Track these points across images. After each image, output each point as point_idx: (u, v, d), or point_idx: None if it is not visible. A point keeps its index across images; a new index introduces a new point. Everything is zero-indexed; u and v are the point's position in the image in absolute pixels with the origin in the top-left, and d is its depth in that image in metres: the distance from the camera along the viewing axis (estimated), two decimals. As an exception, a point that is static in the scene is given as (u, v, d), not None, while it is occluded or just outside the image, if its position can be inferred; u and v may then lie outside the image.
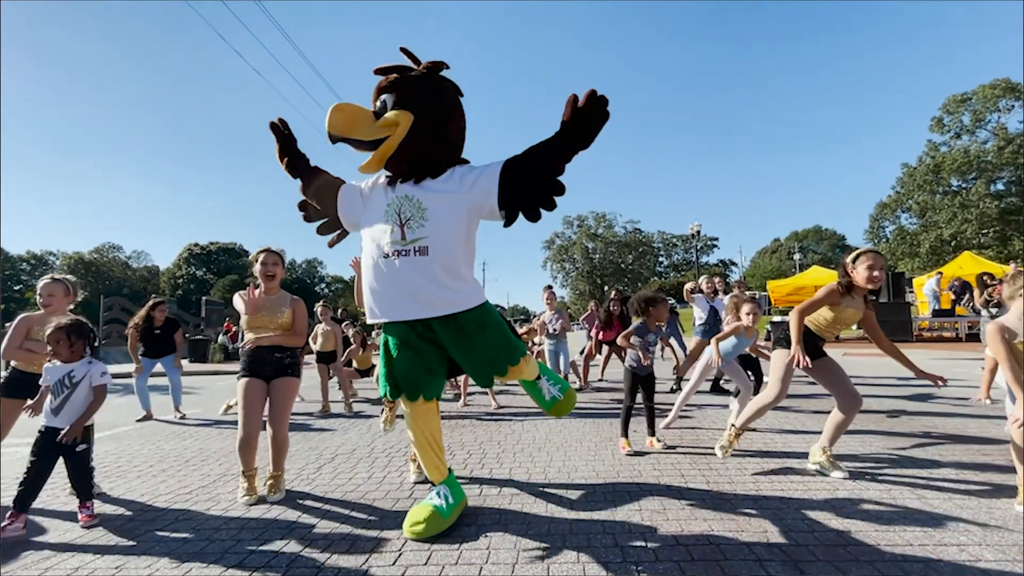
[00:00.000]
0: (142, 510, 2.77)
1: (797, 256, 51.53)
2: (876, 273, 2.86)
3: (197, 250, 71.25)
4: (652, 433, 3.73)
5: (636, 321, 3.95)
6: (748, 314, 4.19)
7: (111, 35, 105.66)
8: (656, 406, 3.85)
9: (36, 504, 2.88)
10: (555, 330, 6.29)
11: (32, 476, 2.53)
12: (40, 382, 2.68)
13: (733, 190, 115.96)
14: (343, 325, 6.92)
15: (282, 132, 2.47)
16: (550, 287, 6.73)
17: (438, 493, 2.40)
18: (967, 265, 14.93)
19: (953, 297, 13.23)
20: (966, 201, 32.38)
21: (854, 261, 2.94)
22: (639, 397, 3.77)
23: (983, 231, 31.93)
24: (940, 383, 2.79)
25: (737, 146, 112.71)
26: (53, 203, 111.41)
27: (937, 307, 14.22)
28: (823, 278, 18.30)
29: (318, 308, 6.44)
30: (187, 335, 18.87)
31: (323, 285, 79.58)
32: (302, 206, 2.69)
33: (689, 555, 2.02)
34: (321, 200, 2.53)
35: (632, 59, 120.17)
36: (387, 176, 2.37)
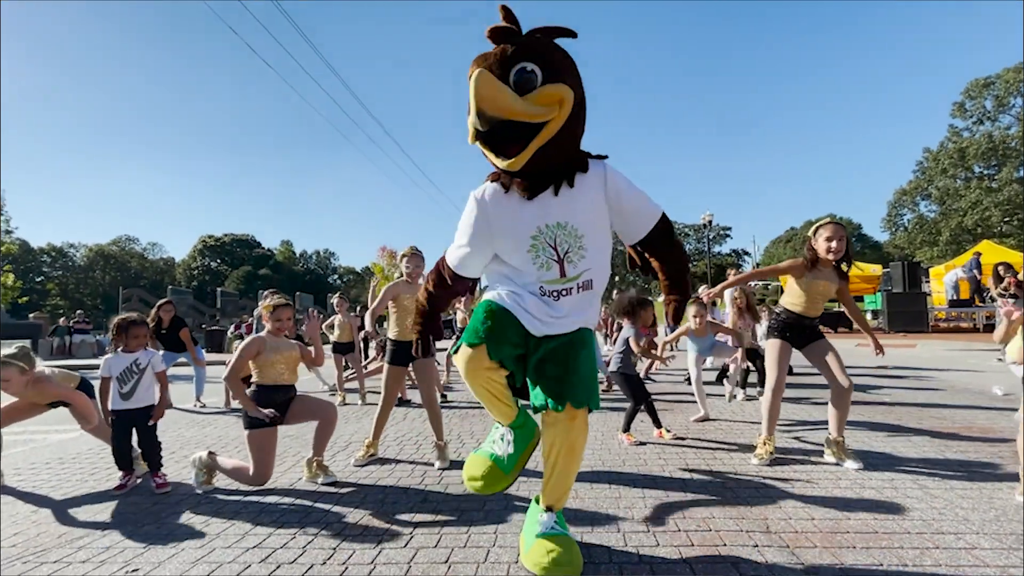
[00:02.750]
0: (165, 494, 2.90)
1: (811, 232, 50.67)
2: (834, 244, 2.94)
3: (211, 242, 72.23)
4: (659, 425, 3.77)
5: (625, 323, 3.99)
6: (694, 316, 4.31)
7: (125, 33, 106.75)
8: (670, 397, 3.89)
9: (70, 492, 3.05)
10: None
11: (119, 449, 2.99)
12: (101, 373, 3.01)
13: (747, 178, 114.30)
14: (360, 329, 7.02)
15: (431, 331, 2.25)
16: None
17: (502, 438, 2.01)
18: (986, 254, 14.62)
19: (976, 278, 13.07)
20: (991, 187, 31.61)
21: (815, 233, 3.05)
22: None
23: (1006, 219, 31.18)
24: (878, 352, 3.14)
25: (751, 133, 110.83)
26: (69, 197, 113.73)
27: (956, 298, 14.00)
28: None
29: (334, 300, 6.58)
30: (203, 325, 19.34)
31: (335, 276, 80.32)
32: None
33: (689, 540, 2.09)
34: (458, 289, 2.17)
35: (645, 44, 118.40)
36: (500, 184, 1.84)
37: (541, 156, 1.71)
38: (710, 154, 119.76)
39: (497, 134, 1.67)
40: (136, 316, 3.18)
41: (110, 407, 3.00)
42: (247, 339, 3.00)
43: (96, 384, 3.23)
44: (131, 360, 3.05)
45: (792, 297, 3.17)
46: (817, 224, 3.07)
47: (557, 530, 1.91)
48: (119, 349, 3.10)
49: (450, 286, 2.09)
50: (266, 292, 3.23)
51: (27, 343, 3.26)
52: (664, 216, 1.90)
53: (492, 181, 1.87)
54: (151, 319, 5.88)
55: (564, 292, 1.83)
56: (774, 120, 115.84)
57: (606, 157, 1.88)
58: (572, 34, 1.79)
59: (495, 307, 1.85)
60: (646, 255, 2.00)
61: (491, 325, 1.82)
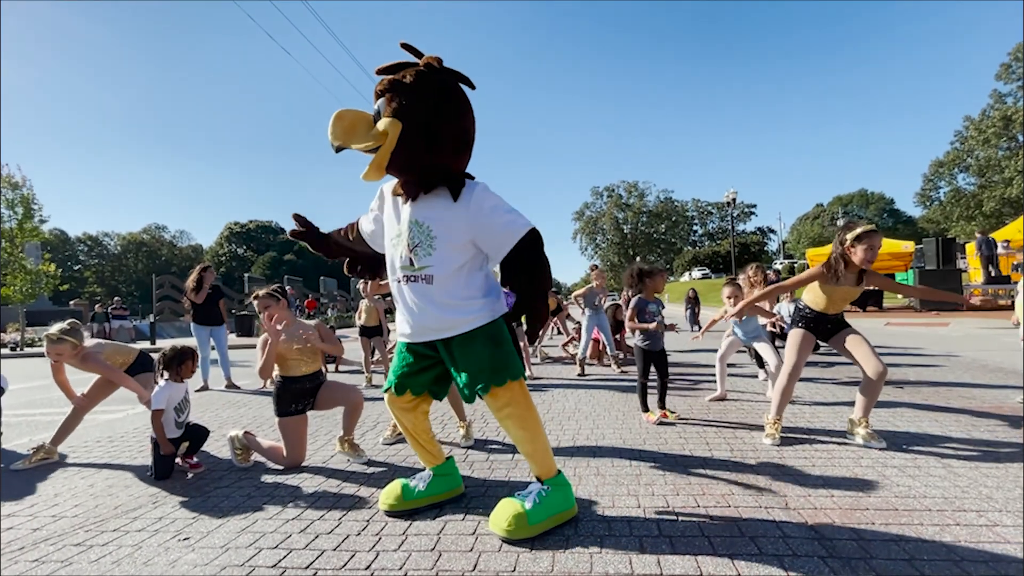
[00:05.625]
0: (209, 470, 3.09)
1: (841, 222, 49.20)
2: (872, 254, 2.89)
3: (237, 228, 73.75)
4: (662, 406, 3.80)
5: (633, 294, 3.99)
6: (728, 298, 4.25)
7: (153, 34, 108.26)
8: (684, 377, 3.91)
9: (122, 460, 3.27)
10: (599, 302, 6.48)
11: (164, 469, 2.98)
12: (156, 406, 3.00)
13: (773, 154, 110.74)
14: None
15: (305, 232, 2.55)
16: (595, 266, 7.13)
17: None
18: (1027, 228, 13.99)
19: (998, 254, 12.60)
20: None
21: (855, 240, 2.91)
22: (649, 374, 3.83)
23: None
24: (962, 304, 2.99)
25: (777, 107, 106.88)
26: (98, 188, 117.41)
27: (994, 274, 13.49)
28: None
29: (360, 284, 6.73)
30: (232, 311, 19.97)
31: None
32: (351, 269, 2.70)
33: (708, 516, 2.14)
34: (358, 250, 2.60)
35: (663, 17, 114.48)
36: (394, 188, 2.28)
37: (395, 171, 2.12)
38: (734, 129, 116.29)
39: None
40: (187, 348, 3.23)
41: (168, 436, 3.01)
42: (261, 339, 3.06)
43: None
44: (185, 389, 3.16)
45: (814, 297, 3.14)
46: (859, 231, 2.91)
47: (516, 497, 2.15)
48: (169, 378, 3.12)
49: (351, 237, 2.56)
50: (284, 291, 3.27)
51: (76, 320, 3.49)
52: (532, 232, 2.08)
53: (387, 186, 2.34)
54: (192, 280, 6.19)
55: (412, 279, 2.14)
56: (801, 92, 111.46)
57: (473, 178, 2.21)
58: (438, 62, 2.12)
59: (400, 345, 2.34)
60: (512, 271, 2.13)
61: (396, 363, 2.33)
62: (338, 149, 2.07)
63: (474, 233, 2.10)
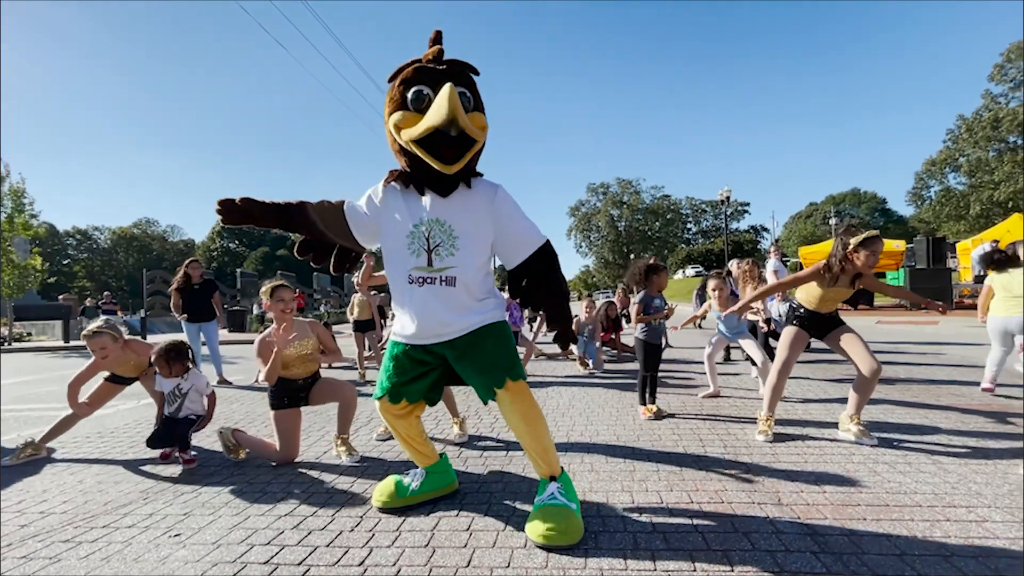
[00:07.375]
0: (200, 465, 3.06)
1: (833, 221, 49.48)
2: (873, 259, 2.93)
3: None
4: (653, 400, 3.82)
5: (638, 290, 4.01)
6: (713, 290, 4.26)
7: (146, 26, 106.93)
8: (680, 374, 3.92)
9: (112, 455, 3.23)
10: (585, 333, 6.70)
11: (160, 439, 3.09)
12: (156, 387, 3.24)
13: (766, 152, 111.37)
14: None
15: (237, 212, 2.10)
16: (589, 294, 7.14)
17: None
18: (1016, 229, 14.15)
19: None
20: None
21: (859, 245, 2.92)
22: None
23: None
24: (942, 310, 3.07)
25: (772, 106, 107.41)
26: (88, 182, 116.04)
27: (982, 273, 13.64)
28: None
29: (355, 278, 6.69)
30: (224, 306, 19.83)
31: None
32: (338, 268, 2.34)
33: (702, 511, 2.15)
34: (328, 231, 2.19)
35: (658, 16, 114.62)
36: (397, 181, 2.12)
37: (460, 167, 1.98)
38: (728, 128, 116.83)
39: (452, 142, 1.88)
40: (175, 349, 3.18)
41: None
42: (258, 341, 3.02)
43: None
44: (174, 384, 3.16)
45: (808, 296, 3.18)
46: (863, 236, 2.92)
47: (556, 500, 2.03)
48: (158, 374, 3.17)
49: (333, 217, 2.16)
50: (271, 282, 3.14)
51: (111, 318, 3.51)
52: (547, 244, 2.14)
53: (391, 180, 2.12)
54: (179, 277, 6.09)
55: (428, 280, 2.04)
56: (795, 90, 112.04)
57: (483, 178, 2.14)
58: (476, 72, 2.09)
59: (394, 350, 2.23)
60: (527, 282, 2.18)
61: (390, 370, 2.22)
62: (458, 131, 1.83)
63: (495, 234, 2.10)
